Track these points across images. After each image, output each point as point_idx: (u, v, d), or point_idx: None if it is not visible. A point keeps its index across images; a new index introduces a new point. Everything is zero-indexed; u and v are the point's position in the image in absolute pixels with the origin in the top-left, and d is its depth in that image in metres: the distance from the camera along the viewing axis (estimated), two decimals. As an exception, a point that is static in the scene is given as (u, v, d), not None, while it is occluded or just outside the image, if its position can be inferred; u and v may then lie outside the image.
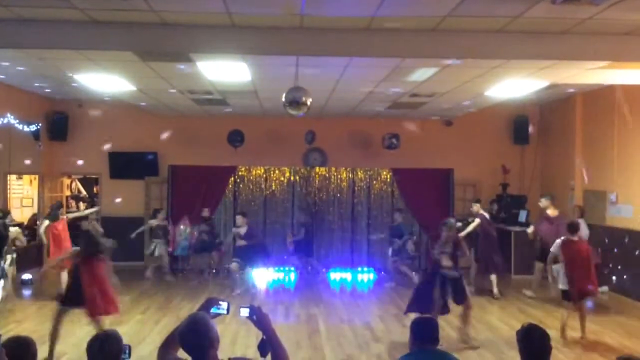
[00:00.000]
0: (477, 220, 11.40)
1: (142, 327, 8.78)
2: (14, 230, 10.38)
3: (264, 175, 14.22)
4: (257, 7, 6.29)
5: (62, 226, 10.66)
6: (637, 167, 10.58)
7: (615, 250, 11.11)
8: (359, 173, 14.36)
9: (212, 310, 3.40)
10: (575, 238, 8.47)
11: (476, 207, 11.70)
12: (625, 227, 10.88)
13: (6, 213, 10.63)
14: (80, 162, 14.27)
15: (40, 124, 12.39)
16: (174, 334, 3.36)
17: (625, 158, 11.01)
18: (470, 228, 11.39)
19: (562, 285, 8.46)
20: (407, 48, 7.16)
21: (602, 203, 11.66)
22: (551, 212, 11.06)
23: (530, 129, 14.36)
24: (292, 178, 14.21)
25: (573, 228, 8.49)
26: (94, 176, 15.18)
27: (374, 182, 14.35)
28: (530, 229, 11.69)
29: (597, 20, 6.40)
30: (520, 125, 14.40)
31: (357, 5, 6.13)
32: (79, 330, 8.36)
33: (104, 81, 10.04)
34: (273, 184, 14.22)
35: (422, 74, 8.98)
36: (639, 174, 10.50)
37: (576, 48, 7.09)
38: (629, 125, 10.75)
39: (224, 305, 3.44)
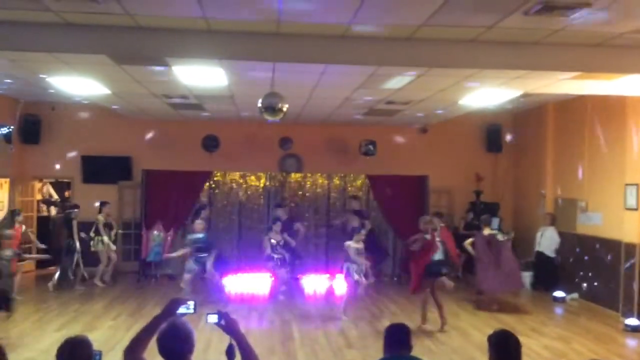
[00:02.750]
0: None
1: (114, 333, 8.66)
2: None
3: (240, 181, 14.16)
4: (234, 12, 6.29)
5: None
6: (607, 175, 10.80)
7: (585, 257, 11.31)
8: (335, 179, 14.39)
9: (180, 310, 3.38)
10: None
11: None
12: (595, 235, 11.08)
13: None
14: (53, 165, 14.07)
15: (12, 127, 12.18)
16: (140, 337, 3.34)
17: (595, 166, 11.23)
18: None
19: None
20: (382, 56, 7.22)
21: (572, 211, 11.87)
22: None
23: (509, 137, 14.57)
24: (267, 184, 14.17)
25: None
26: (66, 180, 14.97)
27: (350, 188, 14.39)
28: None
29: (569, 31, 6.53)
30: (493, 133, 14.59)
31: (333, 12, 6.17)
32: (48, 337, 8.25)
33: (77, 84, 9.92)
34: (249, 190, 14.16)
35: (397, 81, 9.06)
36: (609, 182, 10.71)
37: (548, 58, 7.21)
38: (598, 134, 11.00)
39: (191, 304, 3.41)
